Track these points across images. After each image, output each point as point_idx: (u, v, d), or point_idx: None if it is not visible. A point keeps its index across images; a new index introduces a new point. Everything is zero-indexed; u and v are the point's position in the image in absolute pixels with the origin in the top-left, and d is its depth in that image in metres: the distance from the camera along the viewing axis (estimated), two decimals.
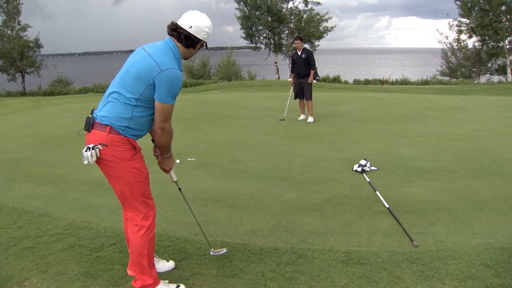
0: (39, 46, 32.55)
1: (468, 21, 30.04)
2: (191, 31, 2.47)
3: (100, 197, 4.45)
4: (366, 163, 5.33)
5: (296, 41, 9.35)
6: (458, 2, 30.08)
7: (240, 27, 34.65)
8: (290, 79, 9.80)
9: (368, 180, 4.83)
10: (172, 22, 2.51)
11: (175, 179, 2.89)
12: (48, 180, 5.15)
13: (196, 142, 7.24)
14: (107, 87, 2.59)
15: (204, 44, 2.59)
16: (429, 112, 10.38)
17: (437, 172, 5.20)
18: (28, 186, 4.92)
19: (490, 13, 28.31)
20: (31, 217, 3.89)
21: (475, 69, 32.24)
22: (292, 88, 9.65)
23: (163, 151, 2.66)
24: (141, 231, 2.52)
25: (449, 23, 31.64)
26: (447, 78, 32.49)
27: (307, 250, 3.16)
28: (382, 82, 29.72)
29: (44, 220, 3.81)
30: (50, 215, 3.92)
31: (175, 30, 2.49)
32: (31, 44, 31.88)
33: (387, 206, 4.00)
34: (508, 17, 28.15)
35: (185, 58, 2.61)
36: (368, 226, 3.60)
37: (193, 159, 6.00)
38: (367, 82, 30.25)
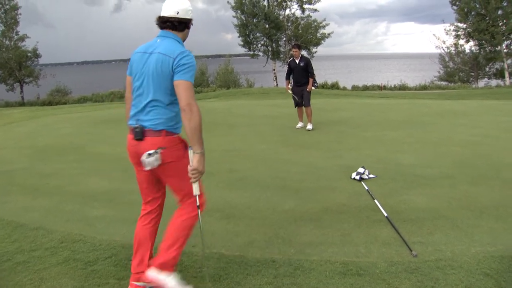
0: (37, 56, 32.64)
1: (465, 25, 30.18)
2: (180, 16, 2.60)
3: (96, 209, 4.39)
4: (364, 171, 5.30)
5: (293, 49, 9.32)
6: (455, 7, 30.25)
7: (238, 34, 34.77)
8: (286, 86, 9.69)
9: (366, 188, 4.80)
10: (159, 17, 2.61)
11: (198, 193, 2.54)
12: (44, 192, 5.11)
13: None
14: (125, 98, 2.77)
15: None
16: (427, 117, 10.36)
17: (436, 179, 5.17)
18: (23, 198, 4.88)
19: (487, 18, 28.43)
20: (26, 230, 3.85)
21: (473, 74, 32.30)
22: (292, 95, 9.44)
23: (195, 142, 2.38)
24: (193, 219, 2.65)
25: (445, 29, 31.80)
26: (445, 83, 32.54)
27: (305, 261, 3.12)
28: (380, 88, 29.76)
29: (39, 233, 3.77)
30: (45, 228, 3.87)
31: (166, 22, 2.59)
32: (29, 54, 31.96)
33: (385, 214, 3.96)
34: (504, 21, 28.25)
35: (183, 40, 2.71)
36: (366, 236, 3.56)
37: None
38: (366, 88, 30.29)
